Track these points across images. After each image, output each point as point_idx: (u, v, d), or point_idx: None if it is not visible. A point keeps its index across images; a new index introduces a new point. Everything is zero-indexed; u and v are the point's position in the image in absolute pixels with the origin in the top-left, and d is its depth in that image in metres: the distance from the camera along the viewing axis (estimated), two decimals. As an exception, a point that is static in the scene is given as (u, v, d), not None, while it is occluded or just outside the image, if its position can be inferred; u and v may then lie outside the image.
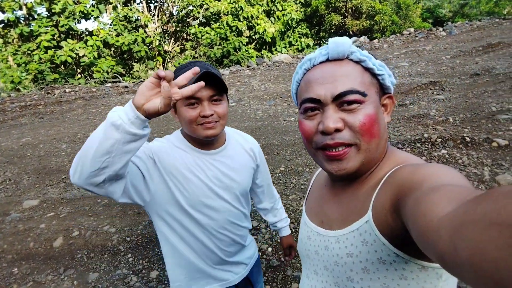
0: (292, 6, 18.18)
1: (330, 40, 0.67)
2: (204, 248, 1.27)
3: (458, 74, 6.95)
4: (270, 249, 2.68)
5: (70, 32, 14.40)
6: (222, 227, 1.27)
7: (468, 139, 3.89)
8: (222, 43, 16.00)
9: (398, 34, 14.67)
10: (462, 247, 0.33)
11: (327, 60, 0.69)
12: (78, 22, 14.36)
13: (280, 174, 3.88)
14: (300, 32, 18.59)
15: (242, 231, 1.38)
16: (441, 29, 13.67)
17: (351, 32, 17.28)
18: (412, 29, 14.76)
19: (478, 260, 0.30)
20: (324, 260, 0.73)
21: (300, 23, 18.65)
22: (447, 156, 3.67)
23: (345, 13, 17.34)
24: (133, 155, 0.91)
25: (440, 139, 4.00)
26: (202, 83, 0.89)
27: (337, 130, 0.64)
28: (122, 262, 2.78)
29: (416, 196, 0.49)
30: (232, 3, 16.70)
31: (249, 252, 1.46)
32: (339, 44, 0.66)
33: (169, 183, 1.15)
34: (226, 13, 16.68)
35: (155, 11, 17.45)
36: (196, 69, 0.88)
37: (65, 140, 6.30)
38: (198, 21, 17.42)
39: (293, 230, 2.79)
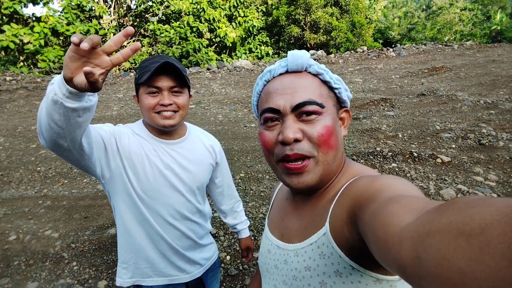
0: (254, 14, 18.37)
1: (289, 52, 0.69)
2: (156, 235, 1.27)
3: (406, 93, 7.46)
4: (228, 257, 2.63)
5: (15, 16, 13.20)
6: (172, 217, 1.27)
7: (415, 154, 4.17)
8: (181, 43, 15.68)
9: (352, 51, 15.44)
10: (426, 258, 0.32)
11: (287, 72, 0.71)
12: (24, 6, 13.21)
13: (240, 181, 3.84)
14: (261, 40, 18.82)
15: (194, 226, 1.35)
16: (391, 49, 14.65)
17: (308, 45, 17.85)
18: (365, 47, 15.63)
19: (445, 271, 0.30)
20: (283, 274, 0.73)
21: (261, 31, 18.89)
22: (396, 169, 3.89)
23: (304, 26, 17.89)
24: (86, 126, 0.90)
25: (390, 153, 4.24)
26: (137, 44, 0.76)
27: (296, 141, 0.65)
28: (66, 271, 2.55)
29: (374, 208, 0.49)
30: (194, 4, 16.46)
31: (206, 253, 1.44)
32: (298, 56, 0.68)
33: (125, 165, 1.19)
34: (188, 13, 16.40)
35: (112, 3, 16.64)
36: (129, 29, 0.75)
37: (3, 133, 5.72)
38: (157, 18, 16.90)
39: (252, 238, 2.76)
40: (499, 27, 23.08)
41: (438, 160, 4.03)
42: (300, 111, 0.66)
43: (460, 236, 0.29)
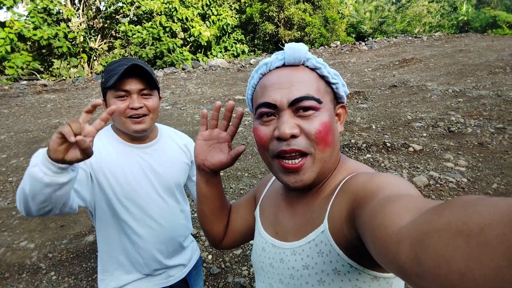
0: (227, 12, 18.31)
1: (286, 45, 0.67)
2: (137, 247, 1.25)
3: (378, 85, 7.66)
4: (210, 256, 2.64)
5: (-24, 21, 12.62)
6: (155, 222, 1.26)
7: (388, 144, 4.30)
8: (155, 43, 15.44)
9: (326, 46, 15.67)
10: (425, 257, 0.32)
11: (283, 65, 0.68)
12: (-14, 11, 12.65)
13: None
14: (236, 38, 18.79)
15: (179, 228, 1.35)
16: (363, 43, 14.95)
17: (283, 41, 17.98)
18: (338, 42, 15.90)
19: (443, 271, 0.30)
20: (279, 273, 0.72)
21: (235, 29, 18.86)
22: (371, 160, 4.00)
23: (278, 23, 18.00)
24: (69, 192, 0.94)
25: (365, 144, 4.35)
26: (112, 108, 0.87)
27: (293, 136, 0.63)
28: (44, 281, 2.49)
29: (372, 207, 0.49)
30: (165, 3, 16.22)
31: (188, 253, 1.44)
32: (296, 50, 0.66)
33: (98, 182, 1.17)
34: (160, 13, 16.15)
35: (80, 4, 16.17)
36: (112, 108, 0.87)
37: (-31, 144, 5.49)
38: (128, 18, 16.56)
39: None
40: (465, 18, 23.99)
41: (410, 149, 4.17)
42: (297, 106, 0.64)
43: (458, 236, 0.29)
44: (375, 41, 15.49)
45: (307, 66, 0.68)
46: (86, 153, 0.83)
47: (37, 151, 0.92)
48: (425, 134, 4.60)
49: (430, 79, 7.67)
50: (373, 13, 25.16)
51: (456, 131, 4.58)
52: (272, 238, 0.76)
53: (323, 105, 0.65)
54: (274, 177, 0.90)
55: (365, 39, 17.72)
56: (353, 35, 21.94)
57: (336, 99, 0.72)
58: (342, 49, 14.06)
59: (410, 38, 15.72)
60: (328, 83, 0.70)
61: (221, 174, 3.95)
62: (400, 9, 25.21)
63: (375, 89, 7.38)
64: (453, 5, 24.67)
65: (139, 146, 1.24)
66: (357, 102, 6.62)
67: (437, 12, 23.80)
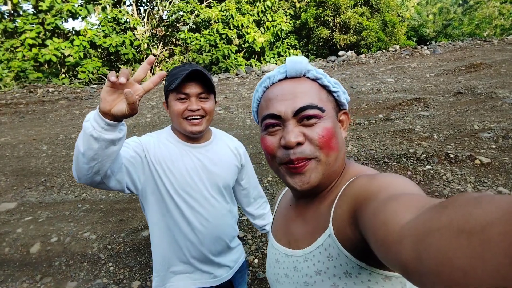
0: (282, 18, 18.39)
1: (287, 59, 0.71)
2: (187, 241, 1.30)
3: (442, 92, 7.15)
4: (256, 260, 2.64)
5: (56, 30, 14.10)
6: (206, 219, 1.31)
7: (452, 155, 3.98)
8: (211, 50, 15.99)
9: (384, 50, 15.03)
10: (427, 256, 0.32)
11: (286, 78, 0.72)
12: (65, 21, 14.08)
13: (267, 184, 3.85)
14: (289, 44, 18.79)
15: (226, 228, 1.38)
16: (425, 47, 14.10)
17: (338, 46, 17.59)
18: (397, 46, 15.16)
19: (446, 270, 0.30)
20: (294, 281, 0.73)
21: (289, 34, 18.87)
22: (431, 171, 3.73)
23: (333, 27, 17.66)
24: (117, 154, 0.99)
25: (425, 155, 4.07)
26: (163, 73, 0.91)
27: (298, 144, 0.66)
28: (103, 271, 2.68)
29: (373, 206, 0.50)
30: (223, 11, 16.76)
31: (235, 255, 1.46)
32: (297, 62, 0.69)
33: (155, 173, 1.24)
34: (217, 21, 16.72)
35: (145, 14, 17.32)
36: (151, 58, 0.89)
37: (46, 141, 6.11)
38: (188, 26, 17.37)
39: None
40: (544, 19, 21.58)
41: (477, 162, 3.82)
42: (301, 115, 0.67)
43: (461, 234, 0.29)
44: (438, 45, 14.53)
45: (308, 77, 0.72)
46: (132, 108, 0.87)
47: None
48: (494, 146, 4.19)
49: (501, 86, 6.99)
50: (437, 15, 23.67)
51: (532, 143, 4.11)
52: (285, 248, 0.78)
53: (325, 113, 0.68)
54: (282, 194, 0.95)
55: (428, 43, 16.70)
56: (414, 39, 20.82)
57: (338, 106, 0.76)
58: (401, 53, 13.38)
59: (479, 41, 14.50)
60: (330, 92, 0.73)
61: (270, 179, 3.96)
62: (468, 11, 23.44)
63: (437, 95, 6.90)
64: (530, 5, 22.33)
65: (194, 145, 1.33)
66: (417, 109, 6.24)
67: (510, 13, 21.74)
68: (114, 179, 1.07)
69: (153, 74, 17.10)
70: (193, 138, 1.32)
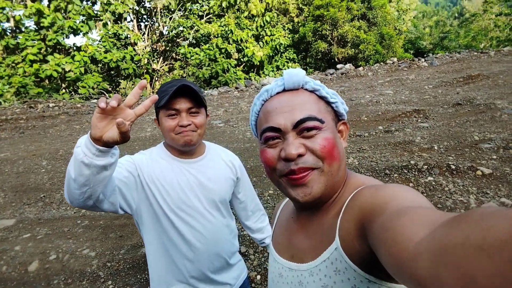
0: (280, 32, 18.65)
1: (284, 71, 0.70)
2: (185, 260, 1.28)
3: (440, 103, 7.18)
4: (259, 277, 2.59)
5: (58, 46, 14.26)
6: (203, 236, 1.29)
7: (453, 166, 3.97)
8: (211, 64, 16.16)
9: (381, 63, 15.18)
10: (447, 274, 0.32)
11: (283, 90, 0.72)
12: (66, 37, 14.26)
13: (269, 198, 3.82)
14: (288, 57, 19.01)
15: (225, 244, 1.36)
16: (423, 59, 14.24)
17: (336, 59, 17.78)
18: (395, 59, 15.31)
19: None
20: None
21: (287, 48, 19.11)
22: (433, 183, 3.71)
23: (331, 41, 17.90)
24: (110, 178, 0.97)
25: (426, 166, 4.06)
26: (155, 96, 0.88)
27: (300, 156, 0.65)
28: (102, 289, 2.62)
29: (382, 221, 0.49)
30: (222, 26, 17.01)
31: (235, 272, 1.43)
32: (294, 75, 0.69)
33: (149, 192, 1.24)
34: (216, 36, 16.94)
35: (145, 29, 17.56)
36: (142, 82, 0.86)
37: (45, 156, 6.09)
38: (188, 41, 17.60)
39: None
40: (540, 30, 21.88)
41: (478, 173, 3.80)
42: (301, 127, 0.66)
43: (480, 252, 0.29)
44: (436, 57, 14.68)
45: (306, 89, 0.71)
46: (124, 136, 0.85)
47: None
48: (495, 157, 4.18)
49: (500, 96, 7.03)
50: (434, 28, 24.01)
51: (533, 154, 4.10)
52: (288, 262, 0.76)
53: (325, 124, 0.68)
54: (281, 206, 0.93)
55: (425, 55, 16.88)
56: (411, 51, 21.07)
57: (337, 117, 0.75)
58: (399, 66, 13.50)
59: (476, 53, 14.65)
60: (328, 103, 0.73)
61: (271, 192, 3.93)
62: (464, 23, 23.80)
63: (436, 107, 6.93)
64: (525, 17, 22.68)
65: (187, 160, 1.32)
66: (417, 120, 6.25)
67: (505, 25, 22.07)
68: (107, 201, 1.05)
69: (153, 88, 17.23)
70: (186, 153, 1.32)
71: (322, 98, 0.72)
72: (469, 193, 3.46)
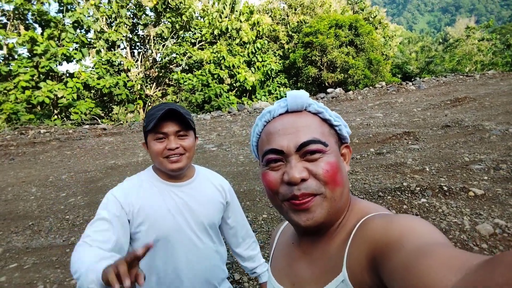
0: (271, 58, 19.10)
1: (288, 93, 0.69)
2: (172, 286, 1.26)
3: (430, 126, 7.32)
4: (254, 304, 2.52)
5: (50, 73, 14.33)
6: (190, 262, 1.27)
7: (445, 188, 3.99)
8: (203, 89, 16.35)
9: (371, 87, 15.53)
10: None
11: (286, 112, 0.70)
12: (59, 64, 14.36)
13: (262, 222, 3.78)
14: (279, 82, 19.38)
15: (214, 270, 1.34)
16: (410, 83, 14.62)
17: (326, 84, 18.16)
18: (383, 83, 15.70)
19: None
20: None
21: (279, 73, 19.52)
22: (427, 205, 3.72)
23: (321, 66, 18.34)
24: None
25: (419, 188, 4.08)
26: (149, 244, 0.85)
27: (303, 180, 0.63)
28: (91, 321, 2.51)
29: (402, 259, 0.47)
30: (214, 53, 17.36)
31: None
32: (298, 96, 0.68)
33: (140, 229, 1.24)
34: (209, 62, 17.25)
35: (139, 56, 17.81)
36: (149, 244, 0.87)
37: (35, 183, 5.98)
38: (181, 68, 17.86)
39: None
40: (521, 55, 22.78)
41: (471, 194, 3.83)
42: (304, 150, 0.65)
43: None
44: (423, 81, 15.09)
45: (309, 112, 0.70)
46: None
47: (96, 266, 0.93)
48: (486, 177, 4.23)
49: (487, 118, 7.20)
50: (419, 53, 24.82)
51: (522, 174, 4.16)
52: None
53: (329, 148, 0.66)
54: (281, 230, 0.90)
55: (412, 79, 17.35)
56: (399, 75, 21.66)
57: (340, 140, 0.74)
58: (388, 90, 13.82)
59: (461, 76, 15.11)
60: (331, 126, 0.72)
61: (265, 216, 3.89)
62: (448, 48, 24.66)
63: (426, 129, 7.06)
64: (506, 42, 23.67)
65: (175, 184, 1.32)
66: (407, 142, 6.34)
67: (488, 50, 22.95)
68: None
69: (145, 113, 17.28)
70: (175, 176, 1.31)
71: (326, 120, 0.71)
72: (462, 214, 3.47)
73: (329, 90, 15.25)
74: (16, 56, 14.05)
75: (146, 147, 1.30)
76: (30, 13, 14.24)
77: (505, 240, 2.95)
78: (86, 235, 1.15)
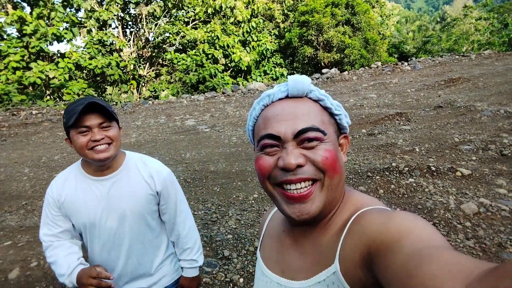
0: (266, 38, 18.82)
1: (289, 77, 0.66)
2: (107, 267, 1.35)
3: (422, 106, 7.35)
4: (242, 279, 2.60)
5: (41, 53, 14.07)
6: (113, 251, 1.36)
7: (433, 168, 4.06)
8: (198, 69, 16.17)
9: (366, 67, 15.44)
10: None
11: (286, 97, 0.68)
12: (50, 44, 14.07)
13: (253, 201, 3.85)
14: (275, 62, 19.17)
15: (141, 259, 1.40)
16: (406, 63, 14.54)
17: (322, 64, 18.01)
18: (379, 63, 15.60)
19: None
20: None
21: (274, 53, 19.28)
22: (414, 184, 3.79)
23: (317, 46, 18.14)
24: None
25: (407, 168, 4.14)
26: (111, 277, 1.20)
27: (299, 166, 0.61)
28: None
29: (402, 262, 0.46)
30: (208, 32, 17.06)
31: (153, 279, 1.44)
32: (299, 82, 0.65)
33: (69, 214, 1.34)
34: (203, 41, 16.98)
35: (131, 36, 17.48)
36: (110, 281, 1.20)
37: (28, 164, 5.99)
38: (174, 47, 17.58)
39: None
40: (518, 35, 22.63)
41: (458, 174, 3.90)
42: (302, 138, 0.63)
43: None
44: (418, 61, 15.01)
45: (310, 98, 0.67)
46: None
47: (70, 263, 1.25)
48: (474, 158, 4.30)
49: (480, 99, 7.24)
50: (416, 32, 24.56)
51: (509, 154, 4.23)
52: (277, 277, 0.73)
53: (327, 136, 0.64)
54: (271, 214, 0.88)
55: (408, 59, 17.26)
56: (396, 55, 21.50)
57: (339, 129, 0.72)
58: (383, 70, 13.76)
59: (457, 56, 15.05)
60: (331, 115, 0.69)
61: (255, 196, 3.95)
62: (446, 27, 24.41)
63: (418, 110, 7.09)
64: (503, 21, 23.45)
65: (97, 179, 1.34)
66: (399, 123, 6.38)
67: (485, 29, 22.74)
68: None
69: (139, 94, 17.10)
70: (99, 169, 1.32)
71: (326, 109, 0.68)
72: (448, 193, 3.55)
73: (324, 70, 15.15)
74: (5, 36, 13.73)
75: (70, 142, 1.28)
76: (17, -9, 13.85)
77: (488, 219, 3.03)
78: (42, 234, 1.35)
